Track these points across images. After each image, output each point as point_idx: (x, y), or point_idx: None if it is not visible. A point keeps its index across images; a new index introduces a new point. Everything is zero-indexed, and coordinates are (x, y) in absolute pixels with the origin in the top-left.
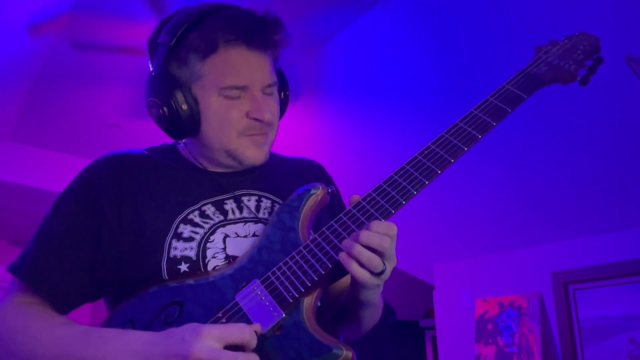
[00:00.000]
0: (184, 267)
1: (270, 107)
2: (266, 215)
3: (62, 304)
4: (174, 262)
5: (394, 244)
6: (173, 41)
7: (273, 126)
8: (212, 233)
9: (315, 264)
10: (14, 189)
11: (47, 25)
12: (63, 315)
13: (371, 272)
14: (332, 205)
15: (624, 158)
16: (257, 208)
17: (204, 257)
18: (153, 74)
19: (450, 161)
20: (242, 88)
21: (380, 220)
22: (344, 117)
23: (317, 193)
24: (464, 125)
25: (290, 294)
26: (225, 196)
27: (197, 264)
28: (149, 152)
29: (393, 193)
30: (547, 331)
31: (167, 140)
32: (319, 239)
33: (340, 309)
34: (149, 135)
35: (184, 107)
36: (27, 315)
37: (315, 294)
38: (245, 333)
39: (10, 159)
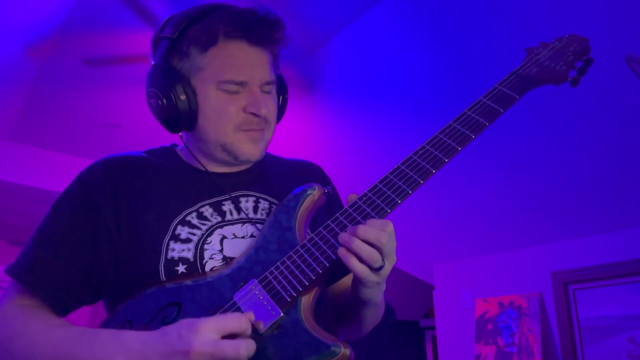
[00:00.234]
0: (181, 268)
1: (267, 104)
2: (264, 216)
3: (61, 306)
4: (172, 263)
5: (393, 241)
6: (176, 34)
7: (270, 123)
8: (210, 234)
9: (313, 263)
10: (14, 189)
11: (41, 44)
12: (61, 317)
13: (370, 268)
14: (331, 206)
15: (624, 158)
16: (255, 209)
17: (202, 258)
18: (155, 65)
19: (445, 161)
20: (241, 84)
21: (376, 218)
22: (344, 117)
23: (314, 193)
24: (458, 125)
25: (288, 293)
26: (223, 197)
27: (195, 265)
28: (146, 155)
29: (389, 192)
30: (547, 331)
31: (166, 141)
32: (316, 238)
33: (341, 309)
34: (149, 135)
35: (182, 98)
36: (25, 317)
37: (313, 292)
38: (242, 321)
39: (10, 159)
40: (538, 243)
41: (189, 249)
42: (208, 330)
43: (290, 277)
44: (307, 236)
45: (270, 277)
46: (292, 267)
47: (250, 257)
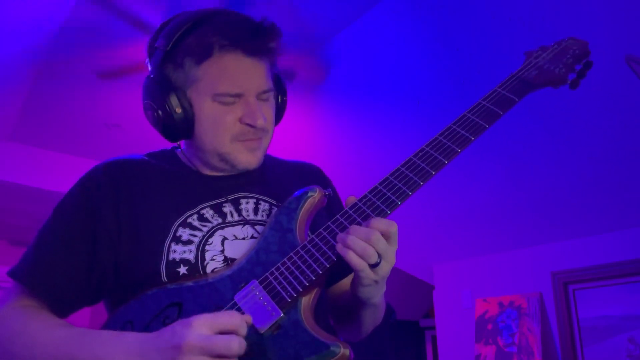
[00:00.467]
0: (182, 269)
1: (264, 113)
2: (264, 218)
3: (61, 308)
4: (173, 265)
5: (393, 242)
6: (169, 46)
7: (267, 132)
8: (211, 236)
9: (313, 264)
10: (14, 189)
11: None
12: (63, 318)
13: (368, 264)
14: (331, 207)
15: (624, 158)
16: (256, 211)
17: (203, 259)
18: (150, 77)
19: (445, 162)
20: (237, 95)
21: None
22: (344, 117)
23: (314, 195)
24: (457, 127)
25: (289, 294)
26: (223, 199)
27: (196, 267)
28: (148, 158)
29: (389, 194)
30: (547, 331)
31: (166, 142)
32: (316, 240)
33: (342, 310)
34: (149, 135)
35: (178, 110)
36: (26, 317)
37: (313, 293)
38: (234, 318)
39: (10, 159)
40: (538, 243)
41: (191, 251)
42: (200, 325)
43: (290, 278)
44: (308, 237)
45: (270, 278)
46: (293, 267)
47: (251, 258)
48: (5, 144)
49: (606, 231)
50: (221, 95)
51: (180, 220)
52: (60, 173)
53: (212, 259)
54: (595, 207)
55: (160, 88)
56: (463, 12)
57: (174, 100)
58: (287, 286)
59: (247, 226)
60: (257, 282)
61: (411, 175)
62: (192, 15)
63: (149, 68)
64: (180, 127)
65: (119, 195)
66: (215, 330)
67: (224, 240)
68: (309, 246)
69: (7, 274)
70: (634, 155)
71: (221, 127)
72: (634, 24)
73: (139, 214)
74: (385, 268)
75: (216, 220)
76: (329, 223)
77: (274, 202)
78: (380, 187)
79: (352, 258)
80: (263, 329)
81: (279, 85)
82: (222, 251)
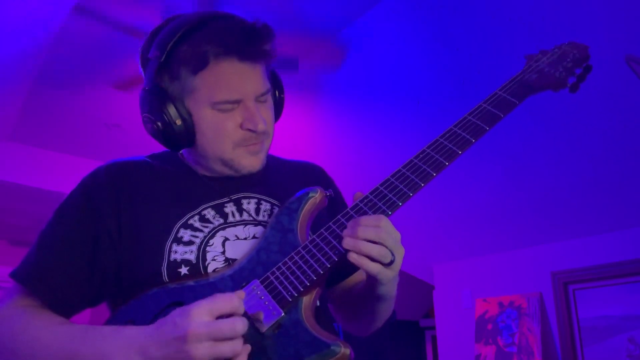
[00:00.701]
0: (184, 270)
1: (264, 116)
2: (266, 218)
3: (63, 309)
4: (175, 265)
5: (394, 233)
6: (163, 56)
7: (268, 134)
8: (212, 236)
9: (314, 264)
10: (14, 189)
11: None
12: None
13: (382, 264)
14: (334, 207)
15: (624, 158)
16: (257, 211)
17: (204, 259)
18: (145, 89)
19: (445, 164)
20: (235, 102)
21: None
22: (344, 117)
23: (316, 196)
24: (458, 129)
25: (290, 293)
26: (225, 200)
27: (197, 267)
28: (149, 159)
29: (390, 195)
30: (547, 331)
31: None
32: (318, 240)
33: (354, 305)
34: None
35: (178, 122)
36: (27, 316)
37: (314, 293)
38: (232, 299)
39: (10, 159)
40: (538, 243)
41: (192, 251)
42: (200, 313)
43: (291, 278)
44: (309, 238)
45: (271, 278)
46: (294, 267)
47: (252, 258)
48: (5, 144)
49: (606, 231)
50: (220, 103)
51: (181, 222)
52: (60, 173)
53: (214, 260)
54: (595, 207)
55: (158, 100)
56: (463, 12)
57: (173, 112)
58: (288, 286)
59: (248, 226)
60: (258, 281)
61: (412, 176)
62: (183, 22)
63: (144, 79)
64: (182, 138)
65: (121, 197)
66: (216, 315)
67: (225, 241)
68: (310, 246)
69: (9, 275)
70: (634, 155)
71: (222, 135)
72: (634, 24)
73: (140, 215)
74: (399, 261)
75: (217, 220)
76: (331, 223)
77: (275, 202)
78: (382, 188)
79: (369, 265)
80: (264, 328)
81: (276, 82)
82: (223, 252)
